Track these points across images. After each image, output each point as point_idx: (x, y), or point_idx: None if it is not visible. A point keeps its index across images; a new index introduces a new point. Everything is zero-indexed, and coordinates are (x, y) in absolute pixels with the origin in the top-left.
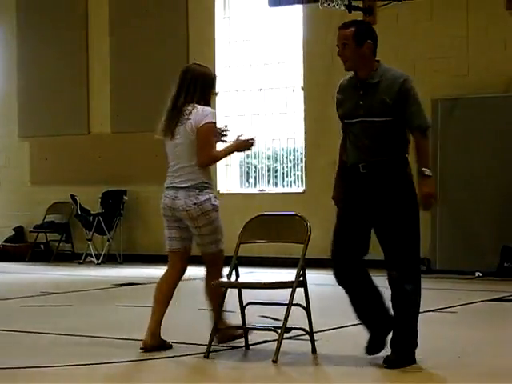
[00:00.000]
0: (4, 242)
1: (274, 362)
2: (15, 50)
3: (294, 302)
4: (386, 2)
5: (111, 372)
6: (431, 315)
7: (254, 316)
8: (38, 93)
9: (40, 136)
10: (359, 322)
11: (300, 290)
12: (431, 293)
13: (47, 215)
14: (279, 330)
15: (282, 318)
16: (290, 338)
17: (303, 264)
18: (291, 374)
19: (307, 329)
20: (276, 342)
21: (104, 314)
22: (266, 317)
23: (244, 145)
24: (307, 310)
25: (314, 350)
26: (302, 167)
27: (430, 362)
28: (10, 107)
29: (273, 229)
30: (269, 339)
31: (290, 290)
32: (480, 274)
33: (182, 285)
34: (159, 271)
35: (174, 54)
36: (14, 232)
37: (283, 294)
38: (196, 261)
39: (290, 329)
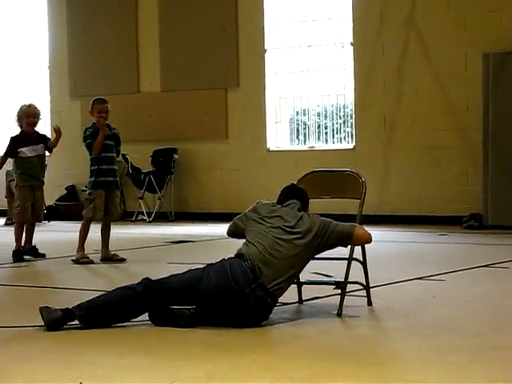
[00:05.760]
0: (57, 200)
1: (339, 315)
2: (65, 13)
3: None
4: None
5: (163, 328)
6: (483, 270)
7: (306, 272)
8: (89, 53)
9: (91, 96)
10: (412, 278)
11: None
12: (483, 248)
13: None
14: (339, 285)
15: (334, 274)
16: (339, 293)
17: (361, 220)
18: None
19: (363, 282)
20: (331, 297)
21: (156, 272)
22: (318, 273)
23: None
24: (364, 264)
25: (369, 303)
26: (351, 123)
27: (482, 317)
28: (62, 67)
29: (327, 185)
30: (319, 295)
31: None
32: None
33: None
34: (209, 229)
35: (223, 13)
36: (66, 191)
37: (331, 251)
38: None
39: (348, 283)
